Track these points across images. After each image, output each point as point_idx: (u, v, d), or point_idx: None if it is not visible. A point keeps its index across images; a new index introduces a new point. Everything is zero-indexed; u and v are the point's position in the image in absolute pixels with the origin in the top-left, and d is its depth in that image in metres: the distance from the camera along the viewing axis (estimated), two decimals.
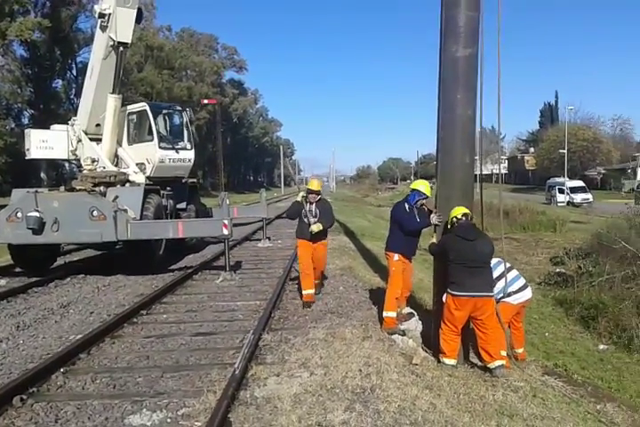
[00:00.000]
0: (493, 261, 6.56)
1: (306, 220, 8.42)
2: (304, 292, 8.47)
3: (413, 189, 7.24)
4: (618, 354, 9.80)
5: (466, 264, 5.98)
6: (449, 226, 6.30)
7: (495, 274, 6.47)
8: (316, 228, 8.31)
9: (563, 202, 46.91)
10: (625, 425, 5.84)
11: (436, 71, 6.49)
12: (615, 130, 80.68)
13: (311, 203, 8.46)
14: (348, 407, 4.47)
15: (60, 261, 13.06)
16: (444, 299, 6.16)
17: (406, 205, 7.15)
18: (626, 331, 10.49)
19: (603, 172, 67.43)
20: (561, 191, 48.86)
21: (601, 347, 10.15)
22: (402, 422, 4.30)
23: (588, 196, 47.41)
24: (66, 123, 13.55)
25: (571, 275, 15.20)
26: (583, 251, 17.87)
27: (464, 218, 6.16)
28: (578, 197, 47.11)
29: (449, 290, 6.08)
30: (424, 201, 7.22)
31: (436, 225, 6.63)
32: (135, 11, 12.39)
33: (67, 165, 17.31)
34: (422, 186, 7.21)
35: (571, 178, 54.04)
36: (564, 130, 58.80)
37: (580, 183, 50.63)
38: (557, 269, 16.90)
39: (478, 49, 6.20)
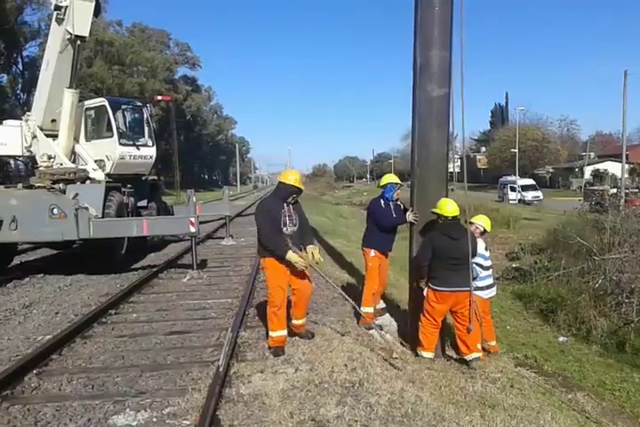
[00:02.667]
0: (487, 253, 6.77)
1: (285, 229, 5.81)
2: (272, 334, 5.89)
3: (386, 184, 7.29)
4: (577, 345, 10.13)
5: (449, 261, 6.09)
6: (439, 221, 6.32)
7: (488, 263, 6.82)
8: (316, 251, 5.95)
9: (514, 200, 48.22)
10: (595, 413, 6.07)
11: (409, 107, 6.61)
12: (562, 130, 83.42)
13: (288, 204, 5.93)
14: (339, 402, 4.47)
15: (15, 260, 12.59)
16: (424, 293, 6.25)
17: (382, 202, 7.24)
18: (584, 323, 10.87)
19: (551, 170, 69.81)
20: (512, 189, 50.23)
21: (561, 339, 10.46)
22: (394, 415, 4.33)
23: (539, 193, 48.89)
24: (13, 118, 13.08)
25: (527, 270, 15.64)
26: (537, 246, 18.43)
27: (453, 219, 6.24)
28: (529, 195, 48.53)
29: (430, 285, 6.18)
30: (399, 192, 7.34)
31: (411, 223, 6.70)
32: (93, 3, 12.04)
33: (12, 162, 16.67)
34: (391, 178, 7.37)
35: (521, 176, 55.62)
36: (515, 130, 60.53)
37: (530, 181, 52.17)
38: (514, 265, 17.36)
39: (450, 87, 6.27)
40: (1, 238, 10.27)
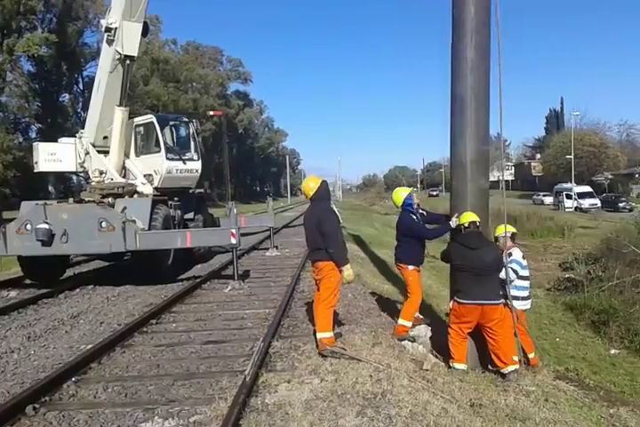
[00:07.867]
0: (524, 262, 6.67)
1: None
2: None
3: (404, 200, 7.18)
4: (630, 359, 9.75)
5: (471, 272, 6.00)
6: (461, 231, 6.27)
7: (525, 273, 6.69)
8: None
9: (570, 207, 46.82)
10: None
11: None
12: (622, 135, 79.96)
13: None
14: (359, 413, 4.46)
15: (69, 272, 13.10)
16: (450, 305, 6.19)
17: (413, 216, 7.13)
18: (637, 335, 10.45)
19: (610, 177, 67.00)
20: (568, 197, 48.77)
21: (612, 352, 10.10)
22: None
23: (596, 201, 47.29)
24: (73, 136, 13.66)
25: (580, 280, 15.12)
26: (592, 256, 17.79)
27: (471, 226, 6.16)
28: (586, 203, 47.04)
29: (455, 297, 6.13)
30: (418, 201, 7.32)
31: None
32: (141, 24, 12.50)
33: (74, 177, 17.30)
34: (402, 192, 7.34)
35: (578, 183, 53.90)
36: (571, 136, 58.67)
37: (587, 189, 50.57)
38: (567, 275, 16.84)
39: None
40: (53, 251, 10.74)
